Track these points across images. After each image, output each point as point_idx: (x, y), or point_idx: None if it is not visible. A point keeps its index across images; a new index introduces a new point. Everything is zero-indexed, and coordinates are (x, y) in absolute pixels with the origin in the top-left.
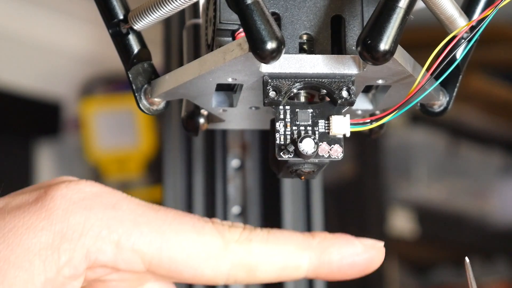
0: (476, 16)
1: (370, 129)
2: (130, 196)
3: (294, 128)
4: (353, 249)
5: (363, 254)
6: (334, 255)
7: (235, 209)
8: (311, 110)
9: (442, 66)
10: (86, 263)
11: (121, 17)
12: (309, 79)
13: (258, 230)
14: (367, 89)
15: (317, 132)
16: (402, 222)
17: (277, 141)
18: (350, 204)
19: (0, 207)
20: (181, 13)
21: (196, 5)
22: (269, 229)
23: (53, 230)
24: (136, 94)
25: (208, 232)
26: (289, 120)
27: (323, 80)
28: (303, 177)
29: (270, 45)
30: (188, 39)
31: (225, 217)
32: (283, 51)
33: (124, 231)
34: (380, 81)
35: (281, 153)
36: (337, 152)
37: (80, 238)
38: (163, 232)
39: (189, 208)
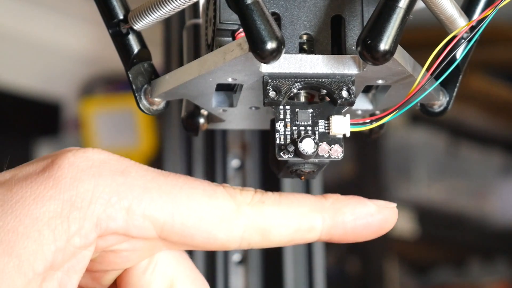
0: (476, 16)
1: (370, 129)
2: (138, 163)
3: (294, 128)
4: (367, 209)
5: (377, 214)
6: (348, 216)
7: None
8: (311, 110)
9: (442, 66)
10: (97, 232)
11: (121, 17)
12: (309, 79)
13: (270, 193)
14: (367, 89)
15: (317, 132)
16: (402, 222)
17: (277, 141)
18: None
19: (7, 178)
20: (181, 13)
21: (196, 5)
22: (281, 192)
23: (61, 198)
24: (136, 94)
25: (219, 196)
26: (289, 120)
27: (323, 80)
28: (303, 177)
29: (270, 45)
30: (188, 39)
31: None
32: (283, 51)
33: (134, 197)
34: (380, 81)
35: (281, 153)
36: (337, 152)
37: (89, 206)
38: (174, 197)
39: None
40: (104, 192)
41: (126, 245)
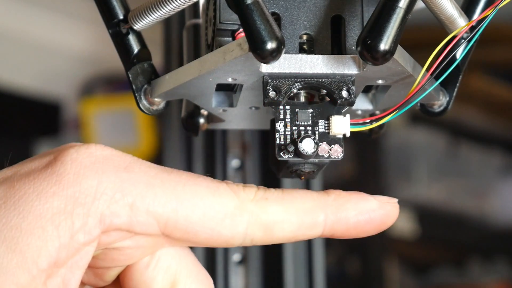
0: (476, 16)
1: (370, 129)
2: (140, 159)
3: (294, 128)
4: (369, 204)
5: (379, 210)
6: (350, 212)
7: None
8: (311, 110)
9: (442, 66)
10: (101, 228)
11: (121, 17)
12: (309, 79)
13: (272, 190)
14: (367, 89)
15: (317, 132)
16: (402, 222)
17: (277, 141)
18: None
19: (9, 175)
20: (181, 13)
21: (196, 5)
22: (284, 189)
23: (65, 195)
24: (136, 94)
25: (223, 192)
26: (289, 120)
27: (323, 80)
28: (303, 177)
29: (270, 45)
30: (188, 39)
31: None
32: (283, 51)
33: (138, 193)
34: (380, 81)
35: (281, 153)
36: (337, 152)
37: (93, 202)
38: (177, 194)
39: None
40: (108, 188)
41: (129, 242)
